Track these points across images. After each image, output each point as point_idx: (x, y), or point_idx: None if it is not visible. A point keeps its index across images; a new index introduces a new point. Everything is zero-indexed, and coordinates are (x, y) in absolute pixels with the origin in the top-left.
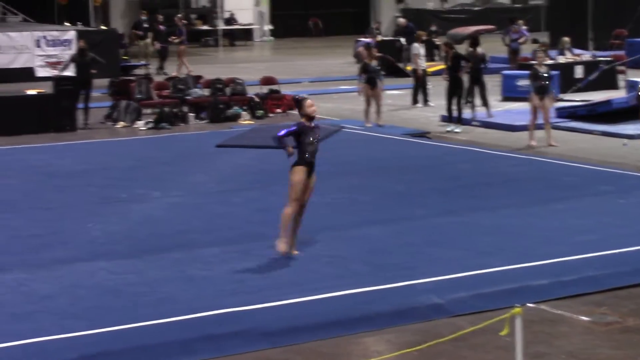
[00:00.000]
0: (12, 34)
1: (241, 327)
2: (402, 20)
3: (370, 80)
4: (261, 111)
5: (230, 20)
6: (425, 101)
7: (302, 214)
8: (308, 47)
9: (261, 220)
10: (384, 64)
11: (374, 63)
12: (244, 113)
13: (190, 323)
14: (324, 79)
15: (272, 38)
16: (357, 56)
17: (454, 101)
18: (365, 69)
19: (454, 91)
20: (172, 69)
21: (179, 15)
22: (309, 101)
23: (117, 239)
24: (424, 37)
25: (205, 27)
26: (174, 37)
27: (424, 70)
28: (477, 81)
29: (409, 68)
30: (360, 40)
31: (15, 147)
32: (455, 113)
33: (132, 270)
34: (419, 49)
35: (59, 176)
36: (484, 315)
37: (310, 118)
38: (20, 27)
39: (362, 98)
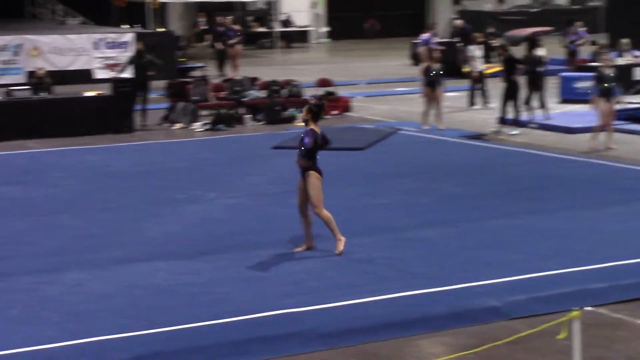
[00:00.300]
0: (71, 37)
1: (297, 329)
2: (459, 22)
3: (430, 82)
4: None
5: (287, 22)
6: (485, 103)
7: None
8: (364, 49)
9: (317, 222)
10: (446, 66)
11: (436, 65)
12: (300, 115)
13: (246, 324)
14: (380, 80)
15: (328, 40)
16: (418, 57)
17: (510, 104)
18: (426, 71)
19: (509, 94)
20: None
21: (230, 17)
22: None
23: (174, 240)
24: (480, 39)
25: (261, 29)
26: (228, 40)
27: (480, 72)
28: (534, 83)
29: (465, 70)
30: (420, 38)
31: (75, 148)
32: (511, 116)
33: (189, 271)
34: (474, 50)
35: (117, 177)
36: (541, 319)
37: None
38: (79, 30)
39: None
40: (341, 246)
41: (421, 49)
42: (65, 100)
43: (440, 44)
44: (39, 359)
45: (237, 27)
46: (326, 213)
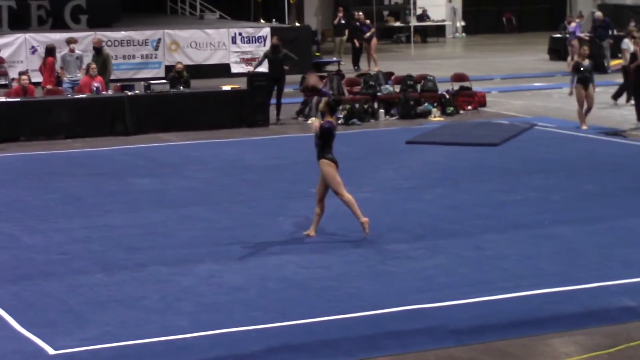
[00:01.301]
0: (209, 31)
1: (427, 324)
2: (599, 15)
3: (583, 80)
4: (452, 108)
5: (423, 17)
6: (628, 99)
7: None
8: (501, 44)
9: (450, 217)
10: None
11: (586, 62)
12: (434, 110)
13: (376, 319)
14: (516, 75)
15: (464, 35)
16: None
17: None
18: (577, 68)
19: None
20: (365, 67)
21: (360, 12)
22: None
23: None
24: (635, 33)
25: (397, 24)
26: (363, 35)
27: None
28: None
29: (614, 63)
30: (569, 29)
31: (210, 142)
32: None
33: (321, 265)
34: (628, 44)
35: (251, 170)
36: None
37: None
38: (217, 25)
39: (575, 99)
40: (367, 228)
41: (574, 42)
42: (202, 94)
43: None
44: (173, 348)
45: (368, 21)
46: (348, 196)
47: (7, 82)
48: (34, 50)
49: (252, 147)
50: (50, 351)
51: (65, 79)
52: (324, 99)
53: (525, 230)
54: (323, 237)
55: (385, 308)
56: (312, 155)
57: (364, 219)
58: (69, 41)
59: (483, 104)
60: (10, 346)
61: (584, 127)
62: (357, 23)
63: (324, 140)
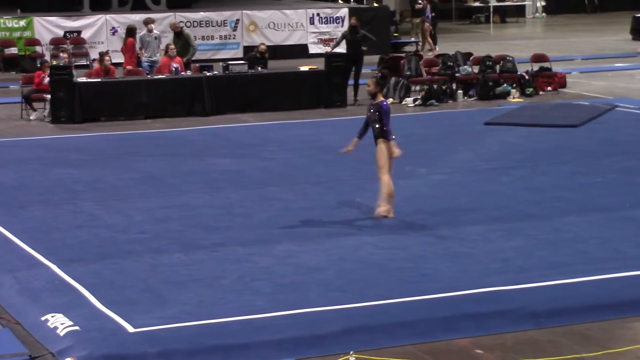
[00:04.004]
0: (287, 12)
1: (505, 307)
2: None
3: None
4: (531, 89)
5: None
6: None
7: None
8: (582, 24)
9: (528, 200)
10: None
11: None
12: (513, 91)
13: (453, 300)
14: (597, 56)
15: (544, 14)
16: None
17: None
18: None
19: None
20: (443, 47)
21: None
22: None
23: None
24: None
25: (476, 4)
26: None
27: None
28: None
29: None
30: None
31: (288, 122)
32: None
33: (397, 246)
34: None
35: (328, 151)
36: None
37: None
38: (295, 5)
39: None
40: (379, 211)
41: None
42: (280, 75)
43: None
44: (250, 328)
45: (427, 4)
46: (386, 178)
47: (88, 63)
48: (114, 31)
49: (330, 127)
50: (130, 329)
51: (143, 59)
52: (370, 79)
53: (606, 213)
54: (399, 217)
55: (462, 290)
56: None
57: (383, 209)
58: (147, 21)
59: (563, 85)
60: (92, 324)
61: None
62: (420, 5)
63: (384, 121)
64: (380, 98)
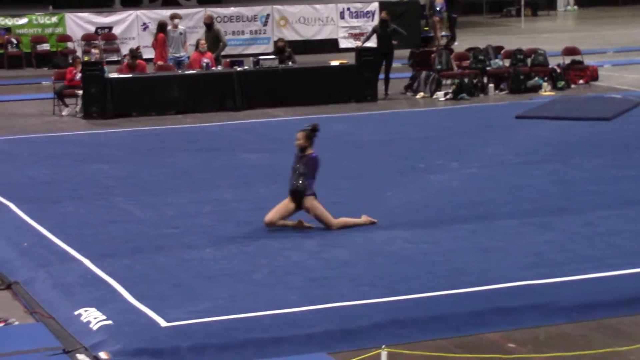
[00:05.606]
0: (318, 6)
1: (537, 301)
2: None
3: None
4: (563, 82)
5: None
6: None
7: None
8: (614, 16)
9: (560, 193)
10: None
11: None
12: (544, 84)
13: (485, 295)
14: (629, 48)
15: (575, 7)
16: None
17: None
18: None
19: None
20: (474, 41)
21: None
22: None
23: (414, 209)
24: None
25: None
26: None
27: None
28: None
29: None
30: None
31: (318, 117)
32: None
33: (429, 240)
34: None
35: (359, 146)
36: None
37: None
38: (325, 0)
39: None
40: (370, 219)
41: None
42: (310, 70)
43: None
44: (282, 322)
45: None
46: (338, 221)
47: (119, 59)
48: (145, 26)
49: (360, 122)
50: (162, 323)
51: (169, 55)
52: (300, 132)
53: (639, 207)
54: (431, 212)
55: (494, 284)
56: (419, 130)
57: (363, 219)
58: (173, 17)
59: (595, 77)
60: (124, 318)
61: None
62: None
63: (311, 173)
64: (309, 151)
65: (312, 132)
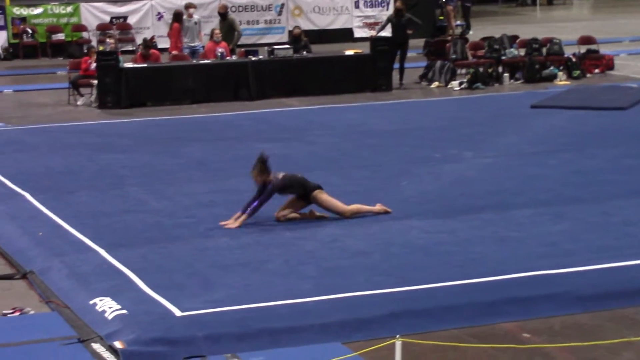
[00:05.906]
0: None
1: (553, 291)
2: None
3: None
4: (578, 71)
5: None
6: None
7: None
8: (631, 5)
9: (575, 183)
10: None
11: None
12: (560, 73)
13: (500, 284)
14: None
15: None
16: None
17: None
18: None
19: None
20: (489, 30)
21: None
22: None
23: (429, 199)
24: None
25: None
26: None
27: None
28: None
29: None
30: None
31: (333, 106)
32: None
33: (444, 230)
34: None
35: (373, 135)
36: None
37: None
38: None
39: None
40: (384, 208)
41: None
42: (325, 59)
43: None
44: (296, 311)
45: None
46: (351, 208)
47: (134, 48)
48: (160, 16)
49: (375, 111)
50: (177, 312)
51: (184, 44)
52: (252, 171)
53: None
54: (446, 201)
55: (509, 274)
56: (434, 120)
57: (378, 208)
58: (188, 6)
59: (611, 67)
60: (140, 307)
61: None
62: None
63: (260, 198)
64: (269, 179)
65: (263, 165)
